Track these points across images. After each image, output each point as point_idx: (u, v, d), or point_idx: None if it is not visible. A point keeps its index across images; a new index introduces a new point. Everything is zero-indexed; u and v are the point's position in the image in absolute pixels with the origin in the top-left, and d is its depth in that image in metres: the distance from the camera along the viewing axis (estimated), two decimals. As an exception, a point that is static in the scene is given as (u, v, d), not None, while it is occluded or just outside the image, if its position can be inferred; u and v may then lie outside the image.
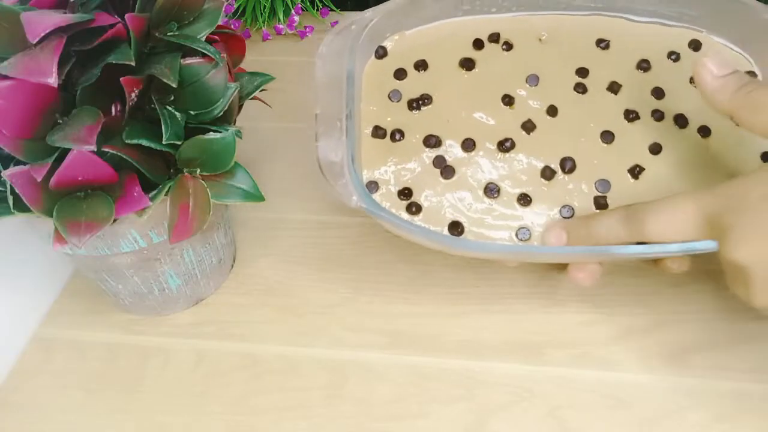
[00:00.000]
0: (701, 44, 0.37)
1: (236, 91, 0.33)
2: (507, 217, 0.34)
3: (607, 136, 0.34)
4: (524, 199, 0.34)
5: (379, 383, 0.36)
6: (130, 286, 0.37)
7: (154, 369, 0.37)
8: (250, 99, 0.37)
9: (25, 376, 0.38)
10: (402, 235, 0.33)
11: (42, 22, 0.27)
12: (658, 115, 0.35)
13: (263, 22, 0.66)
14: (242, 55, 0.38)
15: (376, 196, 0.34)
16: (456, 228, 0.34)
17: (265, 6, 0.66)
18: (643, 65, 0.36)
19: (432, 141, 0.35)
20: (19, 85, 0.27)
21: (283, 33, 0.66)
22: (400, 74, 0.36)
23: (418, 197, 0.34)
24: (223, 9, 0.34)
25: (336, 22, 0.67)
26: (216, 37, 0.35)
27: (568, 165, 0.34)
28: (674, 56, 0.37)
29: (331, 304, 0.40)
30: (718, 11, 0.37)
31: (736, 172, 0.31)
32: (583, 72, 0.36)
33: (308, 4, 0.67)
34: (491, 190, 0.34)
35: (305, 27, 0.66)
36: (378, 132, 0.35)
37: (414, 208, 0.34)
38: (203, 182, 0.33)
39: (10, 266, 0.39)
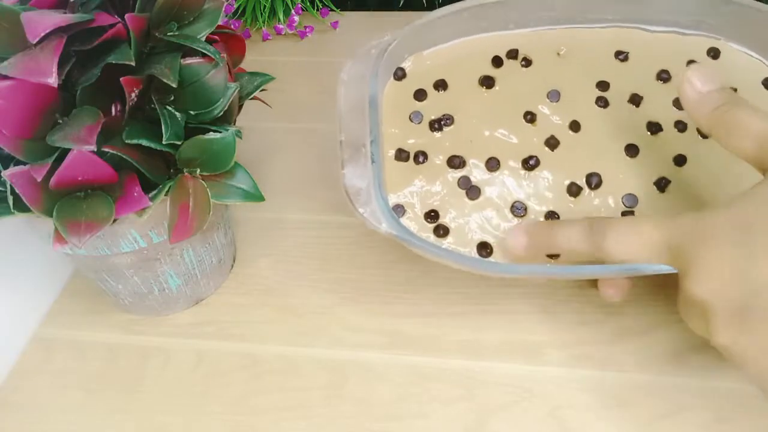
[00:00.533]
0: (720, 52, 0.37)
1: (236, 91, 0.33)
2: None
3: (632, 150, 0.34)
4: (552, 217, 0.33)
5: (379, 383, 0.36)
6: (130, 286, 0.37)
7: (154, 369, 0.37)
8: (250, 99, 0.37)
9: (25, 376, 0.38)
10: (433, 259, 0.32)
11: (42, 22, 0.27)
12: (681, 126, 0.35)
13: (263, 22, 0.66)
14: (242, 55, 0.38)
15: (403, 220, 0.34)
16: (485, 248, 0.33)
17: (265, 6, 0.66)
18: (663, 76, 0.36)
19: (456, 162, 0.34)
20: (19, 85, 0.27)
21: (283, 33, 0.66)
22: (420, 95, 0.36)
23: (445, 219, 0.34)
24: (223, 9, 0.34)
25: (336, 23, 0.67)
26: (216, 37, 0.35)
27: (594, 181, 0.33)
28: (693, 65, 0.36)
29: (331, 304, 0.40)
30: (735, 18, 0.36)
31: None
32: (603, 85, 0.36)
33: (308, 4, 0.67)
34: (518, 209, 0.33)
35: (305, 27, 0.66)
36: (401, 155, 0.34)
37: (441, 231, 0.33)
38: (203, 182, 0.33)
39: (10, 266, 0.39)
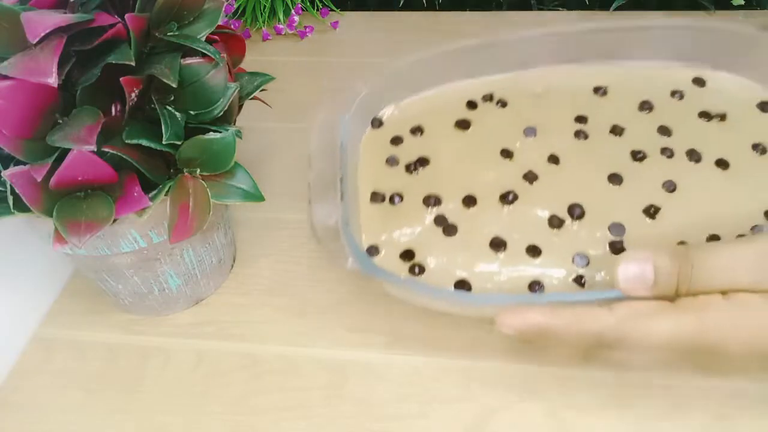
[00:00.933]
0: (705, 81, 0.36)
1: (236, 91, 0.34)
2: (518, 271, 0.32)
3: (616, 179, 0.34)
4: (534, 251, 0.32)
5: (379, 383, 0.36)
6: (130, 286, 0.37)
7: (154, 369, 0.37)
8: (250, 99, 0.37)
9: (25, 376, 0.38)
10: (404, 297, 0.32)
11: (42, 22, 0.27)
12: (669, 153, 0.34)
13: (263, 22, 0.66)
14: (242, 55, 0.38)
15: (376, 260, 0.33)
16: (462, 286, 0.32)
17: (265, 6, 0.66)
18: (646, 106, 0.36)
19: (431, 200, 0.34)
20: (19, 85, 0.27)
21: (283, 33, 0.66)
22: (396, 141, 0.36)
23: (422, 258, 0.33)
24: (223, 9, 0.34)
25: (336, 23, 0.67)
26: (216, 37, 0.35)
27: (576, 212, 0.33)
28: (678, 95, 0.36)
29: (331, 304, 0.40)
30: (718, 45, 0.36)
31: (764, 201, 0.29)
32: (582, 119, 0.36)
33: (308, 4, 0.67)
34: (497, 245, 0.32)
35: (305, 27, 0.66)
36: (376, 197, 0.35)
37: (417, 269, 0.33)
38: (203, 182, 0.33)
39: (10, 266, 0.39)
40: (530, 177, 0.34)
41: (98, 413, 0.36)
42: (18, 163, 0.29)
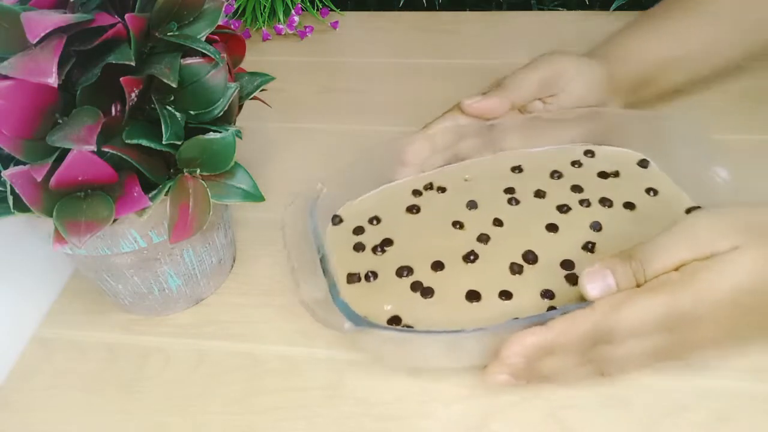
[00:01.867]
0: (594, 152, 0.45)
1: (236, 91, 0.34)
2: (496, 315, 0.35)
3: (552, 228, 0.40)
4: (506, 295, 0.36)
5: (379, 383, 0.36)
6: (130, 286, 0.37)
7: (154, 369, 0.37)
8: (250, 99, 0.37)
9: (25, 376, 0.38)
10: (404, 354, 0.35)
11: (42, 22, 0.27)
12: (586, 203, 0.42)
13: (263, 22, 0.66)
14: (242, 55, 0.38)
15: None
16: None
17: (265, 6, 0.66)
18: (556, 175, 0.44)
19: (404, 271, 0.38)
20: (19, 85, 0.27)
21: (283, 33, 0.66)
22: (358, 231, 0.41)
23: (408, 321, 0.35)
24: (223, 9, 0.34)
25: (336, 23, 0.67)
26: (216, 37, 0.35)
27: (530, 257, 0.38)
28: (577, 164, 0.45)
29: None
30: (602, 127, 0.45)
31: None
32: (510, 190, 0.43)
33: (308, 4, 0.67)
34: (472, 297, 0.36)
35: (305, 27, 0.66)
36: (353, 278, 0.38)
37: (402, 327, 0.35)
38: (203, 182, 0.33)
39: (10, 266, 0.39)
40: (483, 239, 0.40)
41: (98, 413, 0.36)
42: (18, 163, 0.29)
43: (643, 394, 0.34)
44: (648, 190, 0.42)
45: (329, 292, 0.34)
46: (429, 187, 0.43)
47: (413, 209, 0.42)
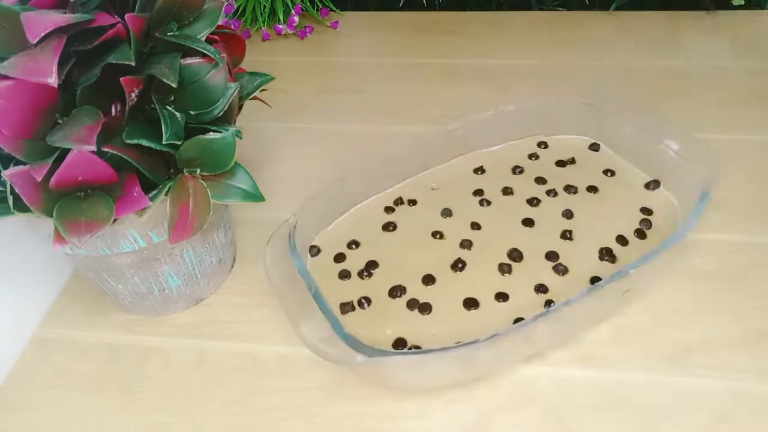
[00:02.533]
0: (547, 143, 0.47)
1: (236, 91, 0.34)
2: (498, 319, 0.36)
3: (528, 222, 0.41)
4: (502, 297, 0.37)
5: (379, 383, 0.36)
6: (130, 286, 0.37)
7: (154, 369, 0.37)
8: (250, 99, 0.37)
9: (25, 376, 0.38)
10: (417, 376, 0.34)
11: (42, 22, 0.27)
12: (553, 194, 0.43)
13: (263, 22, 0.66)
14: (242, 55, 0.38)
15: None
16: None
17: (265, 6, 0.66)
18: (518, 170, 0.45)
19: (397, 291, 0.38)
20: (19, 85, 0.27)
21: (283, 33, 0.66)
22: (339, 258, 0.40)
23: (413, 341, 0.35)
24: (223, 9, 0.34)
25: (336, 23, 0.67)
26: (216, 37, 0.36)
27: (515, 255, 0.39)
28: (534, 157, 0.46)
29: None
30: (551, 117, 0.47)
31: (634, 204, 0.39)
32: (479, 192, 0.44)
33: (308, 4, 0.67)
34: (470, 304, 0.37)
35: (305, 27, 0.66)
36: (346, 307, 0.37)
37: (413, 350, 0.35)
38: (203, 182, 0.33)
39: (10, 266, 0.39)
40: (466, 245, 0.40)
41: (98, 413, 0.36)
42: (18, 163, 0.29)
43: (643, 394, 0.34)
44: (605, 172, 0.44)
45: (332, 328, 0.33)
46: (399, 201, 0.44)
47: (390, 227, 0.42)
